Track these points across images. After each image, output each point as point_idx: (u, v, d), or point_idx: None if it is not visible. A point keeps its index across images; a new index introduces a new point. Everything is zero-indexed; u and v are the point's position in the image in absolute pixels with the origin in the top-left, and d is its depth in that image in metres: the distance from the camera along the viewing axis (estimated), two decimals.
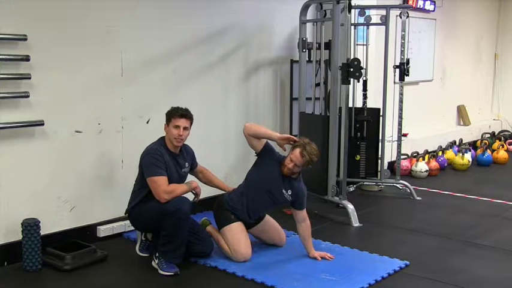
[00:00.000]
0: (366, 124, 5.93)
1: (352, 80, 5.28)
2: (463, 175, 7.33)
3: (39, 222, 3.88)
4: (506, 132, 9.54)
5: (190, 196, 3.99)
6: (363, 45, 6.03)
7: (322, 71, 5.73)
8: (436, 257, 4.26)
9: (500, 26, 9.87)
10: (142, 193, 3.95)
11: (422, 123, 7.88)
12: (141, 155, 3.96)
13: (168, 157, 3.93)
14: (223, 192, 4.38)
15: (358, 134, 5.93)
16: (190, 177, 4.26)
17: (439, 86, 8.51)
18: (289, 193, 4.10)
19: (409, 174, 7.00)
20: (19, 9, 3.85)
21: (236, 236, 4.07)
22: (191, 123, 4.01)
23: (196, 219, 4.27)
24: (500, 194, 6.18)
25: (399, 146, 6.19)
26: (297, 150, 4.01)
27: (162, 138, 4.02)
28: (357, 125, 5.90)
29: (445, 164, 7.48)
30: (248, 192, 4.16)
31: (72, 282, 3.74)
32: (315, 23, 5.75)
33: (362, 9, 5.76)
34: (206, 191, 4.53)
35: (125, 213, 4.14)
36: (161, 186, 3.80)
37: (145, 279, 3.79)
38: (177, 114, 3.94)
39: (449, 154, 7.72)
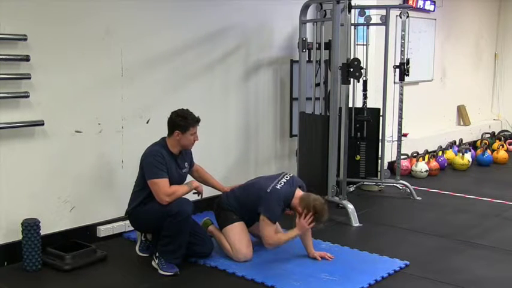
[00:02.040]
0: (366, 124, 5.93)
1: (352, 80, 5.28)
2: (463, 175, 7.33)
3: (39, 222, 3.88)
4: (506, 132, 9.53)
5: (190, 196, 3.99)
6: (363, 45, 6.02)
7: (322, 71, 5.72)
8: (436, 257, 4.26)
9: (500, 26, 9.87)
10: (142, 194, 3.95)
11: (422, 123, 7.88)
12: (141, 156, 3.96)
13: (169, 158, 3.93)
14: (221, 192, 4.39)
15: (358, 134, 5.93)
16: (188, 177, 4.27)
17: (439, 86, 8.51)
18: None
19: (409, 174, 6.99)
20: (19, 9, 3.85)
21: (238, 236, 4.08)
22: None
23: (197, 220, 4.26)
24: (500, 194, 6.18)
25: (399, 146, 6.19)
26: (312, 224, 3.99)
27: (163, 139, 4.01)
28: (357, 125, 5.90)
29: (445, 164, 7.48)
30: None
31: (72, 282, 3.74)
32: (315, 23, 5.75)
33: (362, 9, 5.76)
34: (206, 191, 4.53)
35: (125, 215, 4.14)
36: (162, 188, 3.80)
37: (145, 279, 3.79)
38: (196, 122, 3.95)
39: (449, 154, 7.72)
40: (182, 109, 4.01)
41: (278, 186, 4.02)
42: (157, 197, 3.81)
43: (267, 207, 3.97)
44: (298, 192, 4.07)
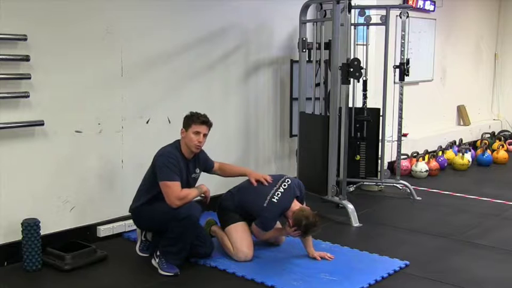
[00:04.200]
0: (366, 124, 5.92)
1: (352, 80, 5.28)
2: (463, 175, 7.33)
3: (39, 222, 3.88)
4: (506, 132, 9.53)
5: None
6: (363, 45, 6.03)
7: (322, 71, 5.73)
8: (436, 257, 4.26)
9: (500, 26, 9.87)
10: (150, 193, 3.93)
11: (422, 123, 7.88)
12: (155, 155, 3.93)
13: (182, 162, 3.91)
14: (223, 192, 4.39)
15: (358, 134, 5.92)
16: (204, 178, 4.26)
17: (439, 86, 8.51)
18: None
19: (409, 174, 7.00)
20: (19, 9, 3.85)
21: (240, 235, 4.09)
22: (209, 130, 4.00)
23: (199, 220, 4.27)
24: (500, 194, 6.18)
25: (399, 146, 6.19)
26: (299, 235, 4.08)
27: (178, 142, 4.00)
28: (357, 125, 5.89)
29: (445, 164, 7.48)
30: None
31: (72, 282, 3.74)
32: (315, 23, 5.75)
33: (362, 9, 5.76)
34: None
35: (129, 211, 4.12)
36: (175, 192, 3.77)
37: (145, 279, 3.79)
38: (198, 120, 3.92)
39: (449, 154, 7.72)
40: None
41: (275, 199, 4.05)
42: (168, 200, 3.78)
43: (262, 221, 4.08)
44: (295, 205, 4.10)
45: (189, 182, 4.01)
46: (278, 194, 4.08)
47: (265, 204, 4.03)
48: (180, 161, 3.89)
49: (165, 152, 3.90)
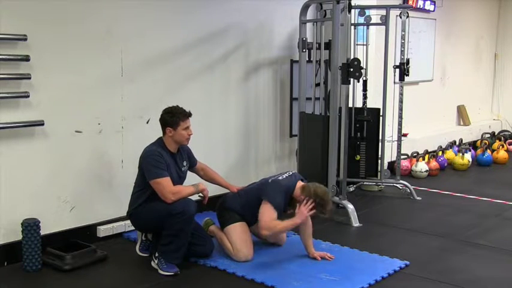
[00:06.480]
0: (366, 124, 5.93)
1: (352, 80, 5.28)
2: (463, 175, 7.33)
3: (39, 222, 3.88)
4: (506, 132, 9.53)
5: (193, 197, 3.98)
6: (363, 45, 6.03)
7: (322, 71, 5.73)
8: (436, 257, 4.26)
9: (500, 26, 9.87)
10: (144, 195, 3.94)
11: (422, 123, 7.88)
12: (140, 157, 3.95)
13: (168, 157, 3.93)
14: (226, 192, 4.39)
15: (358, 134, 5.92)
16: (191, 176, 4.27)
17: (439, 86, 8.51)
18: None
19: (409, 174, 7.00)
20: (19, 9, 3.85)
21: (239, 235, 4.09)
22: None
23: (198, 220, 4.26)
24: (500, 194, 6.18)
25: (399, 146, 6.19)
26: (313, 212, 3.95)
27: (160, 139, 4.01)
28: (357, 125, 5.89)
29: (445, 164, 7.48)
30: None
31: (72, 282, 3.74)
32: (315, 23, 5.75)
33: (362, 9, 5.76)
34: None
35: (127, 215, 4.13)
36: (167, 187, 3.80)
37: (146, 279, 3.79)
38: (184, 116, 3.93)
39: (449, 154, 7.72)
40: (171, 106, 4.01)
41: (280, 178, 4.13)
42: (162, 196, 3.80)
43: (269, 194, 3.99)
44: (300, 183, 4.12)
45: (180, 176, 4.04)
46: (283, 176, 4.16)
47: (270, 181, 4.10)
48: (165, 156, 3.90)
49: (149, 152, 3.91)
